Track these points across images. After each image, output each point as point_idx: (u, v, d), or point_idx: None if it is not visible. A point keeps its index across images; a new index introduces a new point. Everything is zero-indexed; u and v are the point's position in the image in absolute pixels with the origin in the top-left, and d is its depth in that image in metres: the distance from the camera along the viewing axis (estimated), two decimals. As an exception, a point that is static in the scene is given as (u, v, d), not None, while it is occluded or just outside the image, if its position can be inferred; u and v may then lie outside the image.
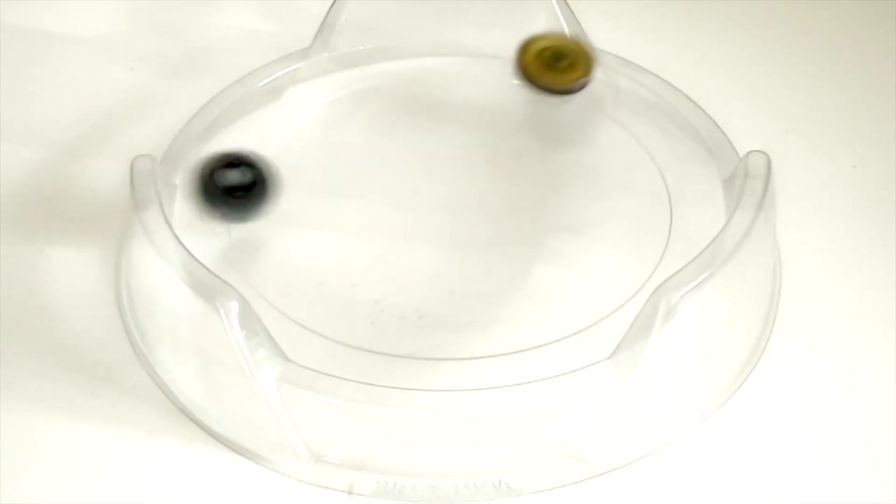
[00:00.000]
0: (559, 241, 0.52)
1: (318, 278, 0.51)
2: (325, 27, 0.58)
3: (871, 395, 0.47)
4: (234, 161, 0.50)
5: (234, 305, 0.42)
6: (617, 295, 0.49)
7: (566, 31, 0.56)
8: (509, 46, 0.59)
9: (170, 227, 0.46)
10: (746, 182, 0.47)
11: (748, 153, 0.48)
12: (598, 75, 0.54)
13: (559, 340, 0.47)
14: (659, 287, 0.42)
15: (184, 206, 0.51)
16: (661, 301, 0.42)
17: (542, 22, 0.57)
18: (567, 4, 0.57)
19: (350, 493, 0.45)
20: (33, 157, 0.57)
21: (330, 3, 0.57)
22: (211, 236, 0.52)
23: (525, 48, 0.53)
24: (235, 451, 0.46)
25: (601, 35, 0.56)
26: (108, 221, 0.53)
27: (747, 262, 0.46)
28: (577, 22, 0.56)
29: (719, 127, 0.53)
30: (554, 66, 0.52)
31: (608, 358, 0.43)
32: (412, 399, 0.42)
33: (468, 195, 0.55)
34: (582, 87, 0.52)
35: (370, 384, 0.42)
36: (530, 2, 0.57)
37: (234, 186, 0.49)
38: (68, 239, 0.53)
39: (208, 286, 0.43)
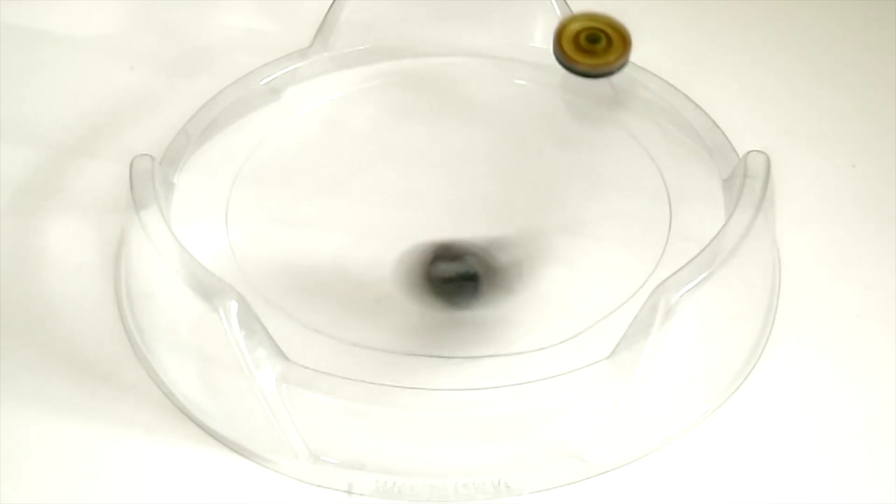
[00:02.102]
0: (559, 240, 0.52)
1: (318, 278, 0.51)
2: (324, 27, 0.58)
3: (870, 395, 0.47)
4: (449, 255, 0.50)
5: (234, 305, 0.42)
6: (616, 294, 0.49)
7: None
8: (509, 46, 0.59)
9: (169, 226, 0.46)
10: (746, 182, 0.47)
11: (747, 153, 0.48)
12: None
13: (559, 340, 0.47)
14: (658, 287, 0.42)
15: (182, 206, 0.52)
16: (661, 300, 0.42)
17: (543, 22, 0.57)
18: (567, 4, 0.57)
19: (349, 492, 0.45)
20: (33, 157, 0.57)
21: (330, 2, 0.57)
22: (210, 236, 0.52)
23: (560, 33, 0.52)
24: (235, 450, 0.46)
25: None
26: (107, 221, 0.53)
27: (747, 262, 0.46)
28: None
29: (719, 127, 0.53)
30: (591, 50, 0.52)
31: (607, 357, 0.43)
32: (412, 398, 0.42)
33: (468, 195, 0.55)
34: (621, 68, 0.52)
35: (370, 383, 0.42)
36: (530, 2, 0.57)
37: (450, 278, 0.49)
38: (67, 239, 0.53)
39: (207, 285, 0.43)
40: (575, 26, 0.52)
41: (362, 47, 0.59)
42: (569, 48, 0.52)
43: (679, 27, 0.64)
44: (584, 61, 0.51)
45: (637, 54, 0.56)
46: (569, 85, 0.58)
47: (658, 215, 0.53)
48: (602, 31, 0.52)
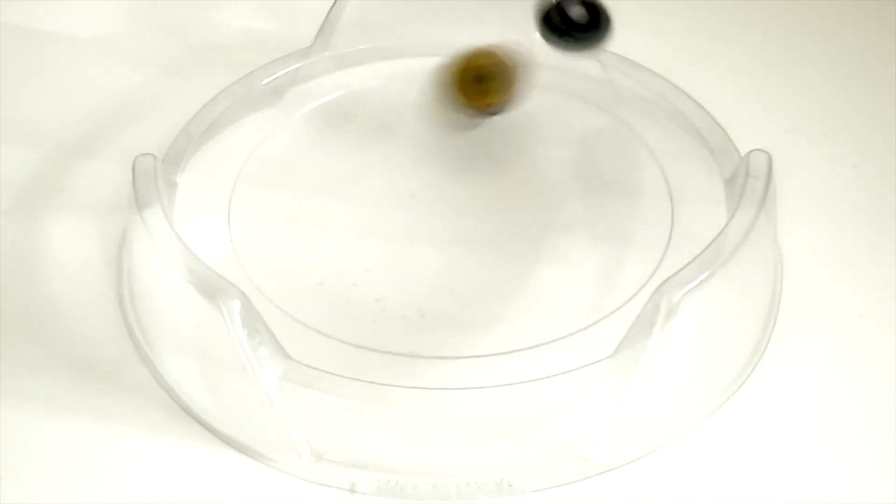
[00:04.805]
0: (560, 239, 0.52)
1: (320, 277, 0.51)
2: (326, 27, 0.58)
3: (872, 395, 0.47)
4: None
5: (237, 304, 0.42)
6: (618, 293, 0.49)
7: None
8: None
9: (171, 226, 0.46)
10: (748, 181, 0.47)
11: (749, 152, 0.48)
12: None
13: (560, 339, 0.47)
14: (660, 286, 0.43)
15: (184, 205, 0.52)
16: (663, 300, 0.42)
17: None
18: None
19: (352, 491, 0.45)
20: (34, 157, 0.57)
21: (331, 2, 0.57)
22: (212, 235, 0.52)
23: (451, 72, 0.53)
24: (237, 449, 0.46)
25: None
26: (109, 221, 0.53)
27: (748, 262, 0.46)
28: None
29: (721, 126, 0.53)
30: (482, 89, 0.52)
31: (610, 357, 0.43)
32: (414, 397, 0.42)
33: (469, 194, 0.55)
34: (513, 105, 0.52)
35: (372, 382, 0.42)
36: (531, 2, 0.57)
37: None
38: (70, 238, 0.53)
39: (210, 285, 0.43)
40: (467, 64, 0.52)
41: (363, 47, 0.60)
42: (460, 88, 0.52)
43: (681, 26, 0.64)
44: (475, 101, 0.52)
45: (639, 53, 0.56)
46: (569, 84, 0.58)
47: (660, 214, 0.53)
48: (493, 68, 0.52)
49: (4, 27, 0.64)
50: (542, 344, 0.47)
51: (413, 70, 0.60)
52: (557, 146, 0.57)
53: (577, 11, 0.50)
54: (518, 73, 0.52)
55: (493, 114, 0.53)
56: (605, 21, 0.51)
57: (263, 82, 0.57)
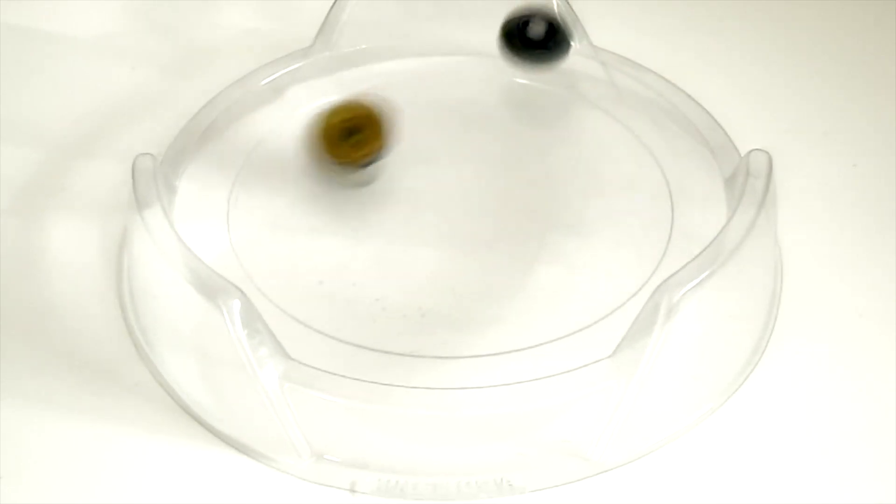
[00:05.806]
0: (560, 239, 0.52)
1: (320, 277, 0.51)
2: (326, 26, 0.58)
3: (872, 395, 0.47)
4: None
5: (237, 304, 0.42)
6: (618, 293, 0.49)
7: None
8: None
9: (171, 225, 0.46)
10: (748, 181, 0.47)
11: (749, 152, 0.48)
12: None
13: (561, 339, 0.47)
14: (660, 285, 0.43)
15: (184, 205, 0.52)
16: (663, 299, 0.42)
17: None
18: (568, 4, 0.57)
19: (352, 491, 0.45)
20: (34, 157, 0.57)
21: (331, 2, 0.57)
22: (212, 235, 0.52)
23: (317, 128, 0.53)
24: (237, 449, 0.46)
25: (603, 34, 0.57)
26: (109, 220, 0.53)
27: (749, 261, 0.46)
28: (580, 22, 0.57)
29: (721, 126, 0.53)
30: (349, 143, 0.52)
31: (610, 356, 0.43)
32: (414, 397, 0.42)
33: (469, 193, 0.55)
34: (382, 157, 0.53)
35: (372, 382, 0.42)
36: (532, 1, 0.57)
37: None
38: (70, 238, 0.53)
39: (210, 284, 0.43)
40: (333, 120, 0.52)
41: (363, 47, 0.60)
42: (327, 143, 0.52)
43: (681, 26, 0.64)
44: (348, 156, 0.52)
45: (639, 53, 0.56)
46: (570, 84, 0.58)
47: (660, 214, 0.53)
48: (359, 122, 0.52)
49: (4, 27, 0.64)
50: (542, 344, 0.47)
51: (412, 70, 0.60)
52: (557, 146, 0.57)
53: (536, 31, 0.53)
54: (383, 119, 0.52)
55: (368, 164, 0.53)
56: (562, 40, 0.55)
57: (263, 82, 0.57)
